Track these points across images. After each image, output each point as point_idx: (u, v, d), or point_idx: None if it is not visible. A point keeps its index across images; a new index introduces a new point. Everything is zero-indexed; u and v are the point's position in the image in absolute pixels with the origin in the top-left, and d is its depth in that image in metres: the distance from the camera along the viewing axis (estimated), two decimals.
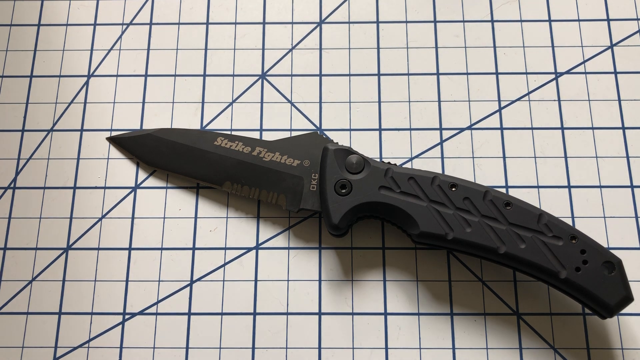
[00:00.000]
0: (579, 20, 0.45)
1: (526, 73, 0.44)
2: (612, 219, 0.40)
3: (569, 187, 0.41)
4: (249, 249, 0.40)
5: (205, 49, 0.45)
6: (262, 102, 0.43)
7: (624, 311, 0.38)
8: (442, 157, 0.42)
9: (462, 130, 0.42)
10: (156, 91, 0.44)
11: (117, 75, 0.44)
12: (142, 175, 0.42)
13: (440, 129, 0.42)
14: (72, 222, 0.41)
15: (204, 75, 0.44)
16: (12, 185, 0.42)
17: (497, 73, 0.44)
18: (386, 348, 0.38)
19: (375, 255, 0.40)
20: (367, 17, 0.45)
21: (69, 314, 0.39)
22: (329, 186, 0.37)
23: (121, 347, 0.38)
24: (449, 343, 0.38)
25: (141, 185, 0.42)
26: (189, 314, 0.39)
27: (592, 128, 0.42)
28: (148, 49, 0.45)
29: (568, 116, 0.42)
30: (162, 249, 0.40)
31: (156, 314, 0.39)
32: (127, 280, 0.40)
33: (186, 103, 0.43)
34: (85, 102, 0.44)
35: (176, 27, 0.46)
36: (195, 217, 0.41)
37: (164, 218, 0.41)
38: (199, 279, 0.40)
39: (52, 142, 0.43)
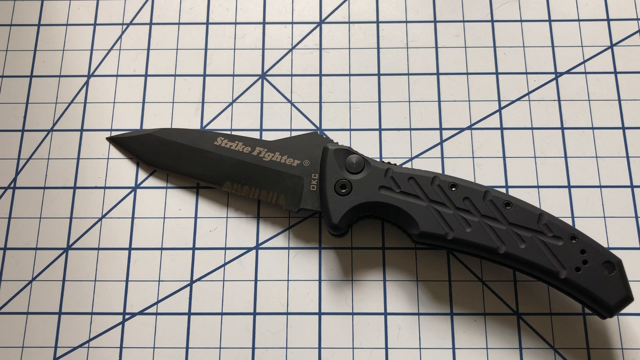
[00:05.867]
0: (579, 20, 0.45)
1: (526, 73, 0.44)
2: (612, 219, 0.40)
3: (569, 187, 0.41)
4: (249, 249, 0.40)
5: (205, 49, 0.45)
6: (262, 102, 0.43)
7: (624, 311, 0.38)
8: (442, 157, 0.42)
9: (462, 130, 0.42)
10: (156, 91, 0.44)
11: (117, 75, 0.44)
12: (142, 175, 0.42)
13: (440, 129, 0.42)
14: (72, 222, 0.41)
15: (204, 75, 0.44)
16: (12, 185, 0.42)
17: (497, 73, 0.44)
18: (386, 348, 0.38)
19: (375, 255, 0.40)
20: (367, 17, 0.45)
21: (69, 314, 0.39)
22: (329, 186, 0.37)
23: (121, 347, 0.38)
24: (449, 343, 0.38)
25: (141, 185, 0.42)
26: (189, 314, 0.39)
27: (592, 128, 0.42)
28: (148, 49, 0.45)
29: (568, 116, 0.42)
30: (162, 249, 0.40)
31: (156, 314, 0.39)
32: (127, 280, 0.40)
33: (186, 103, 0.43)
34: (85, 102, 0.44)
35: (176, 27, 0.46)
36: (195, 217, 0.41)
37: (164, 218, 0.41)
38: (199, 279, 0.40)
39: (52, 142, 0.43)
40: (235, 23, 0.46)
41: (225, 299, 0.39)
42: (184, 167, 0.41)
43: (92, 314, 0.39)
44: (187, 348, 0.38)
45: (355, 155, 0.38)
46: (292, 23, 0.45)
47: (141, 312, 0.39)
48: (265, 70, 0.44)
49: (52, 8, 0.46)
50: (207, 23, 0.46)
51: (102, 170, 0.42)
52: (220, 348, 0.38)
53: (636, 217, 0.40)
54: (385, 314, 0.38)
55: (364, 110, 0.43)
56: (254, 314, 0.39)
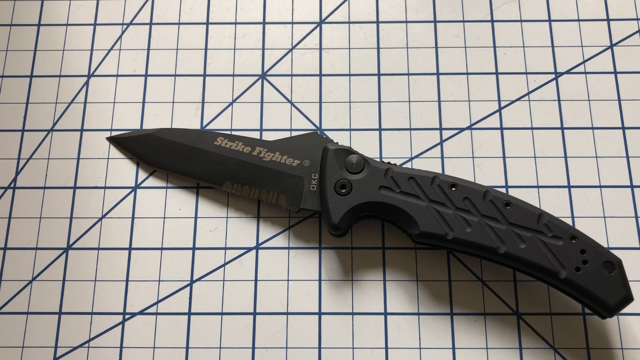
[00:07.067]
0: (579, 20, 0.45)
1: (526, 73, 0.44)
2: (612, 219, 0.40)
3: (569, 187, 0.41)
4: (249, 249, 0.40)
5: (205, 49, 0.45)
6: (262, 102, 0.43)
7: (624, 311, 0.38)
8: (442, 157, 0.42)
9: (462, 130, 0.42)
10: (156, 91, 0.44)
11: (117, 75, 0.44)
12: (142, 175, 0.42)
13: (440, 129, 0.42)
14: (72, 222, 0.41)
15: (204, 75, 0.44)
16: (12, 185, 0.42)
17: (497, 73, 0.44)
18: (386, 348, 0.38)
19: (375, 255, 0.40)
20: (367, 17, 0.45)
21: (69, 314, 0.39)
22: (329, 186, 0.37)
23: (121, 347, 0.38)
24: (449, 343, 0.38)
25: (141, 185, 0.42)
26: (189, 314, 0.39)
27: (592, 128, 0.42)
28: (148, 49, 0.45)
29: (568, 116, 0.42)
30: (162, 249, 0.40)
31: (156, 314, 0.39)
32: (127, 280, 0.40)
33: (186, 103, 0.44)
34: (85, 102, 0.44)
35: (176, 27, 0.46)
36: (195, 217, 0.41)
37: (164, 218, 0.41)
38: (199, 279, 0.40)
39: (52, 142, 0.43)
40: (235, 23, 0.46)
41: (225, 299, 0.39)
42: (184, 167, 0.41)
43: (92, 314, 0.39)
44: (187, 348, 0.38)
45: (355, 155, 0.38)
46: (292, 23, 0.45)
47: (141, 312, 0.39)
48: (265, 70, 0.44)
49: (52, 8, 0.46)
50: (207, 23, 0.46)
51: (102, 170, 0.42)
52: (220, 348, 0.38)
53: (636, 217, 0.40)
54: (385, 314, 0.38)
55: (364, 110, 0.43)
56: (254, 314, 0.39)
